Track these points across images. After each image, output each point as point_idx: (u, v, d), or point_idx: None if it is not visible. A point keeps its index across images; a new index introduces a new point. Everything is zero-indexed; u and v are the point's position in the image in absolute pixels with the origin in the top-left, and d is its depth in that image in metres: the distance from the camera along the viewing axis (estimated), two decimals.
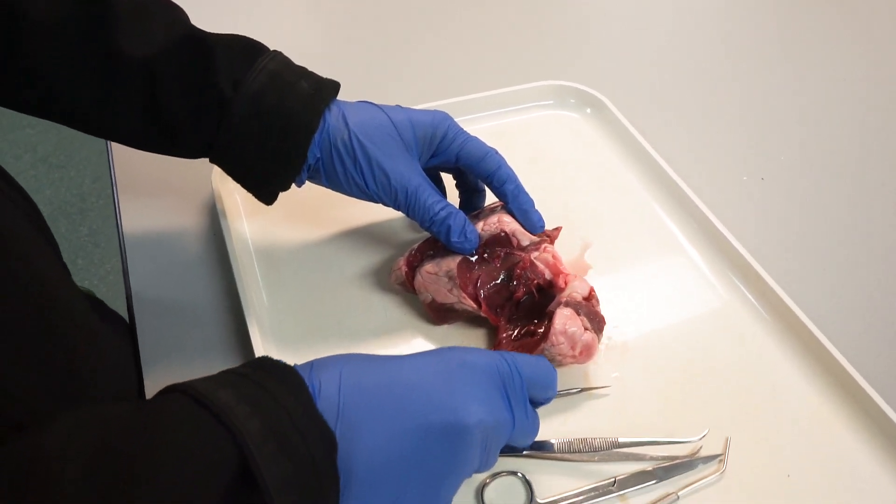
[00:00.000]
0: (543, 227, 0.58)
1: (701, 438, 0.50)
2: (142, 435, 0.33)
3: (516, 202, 0.57)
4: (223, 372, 0.38)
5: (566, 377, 0.54)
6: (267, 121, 0.51)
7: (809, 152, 0.76)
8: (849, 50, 0.91)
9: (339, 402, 0.38)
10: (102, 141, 0.61)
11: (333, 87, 0.54)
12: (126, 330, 0.59)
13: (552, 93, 0.77)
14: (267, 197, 0.55)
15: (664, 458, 0.50)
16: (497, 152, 0.57)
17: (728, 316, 0.59)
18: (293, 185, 0.55)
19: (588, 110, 0.76)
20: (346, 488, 0.37)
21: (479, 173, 0.57)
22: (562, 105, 0.77)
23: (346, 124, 0.53)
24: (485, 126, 0.74)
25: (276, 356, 0.53)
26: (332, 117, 0.53)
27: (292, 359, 0.54)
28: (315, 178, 0.56)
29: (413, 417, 0.39)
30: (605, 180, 0.70)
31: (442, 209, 0.54)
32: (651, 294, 0.60)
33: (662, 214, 0.67)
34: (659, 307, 0.59)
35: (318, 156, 0.53)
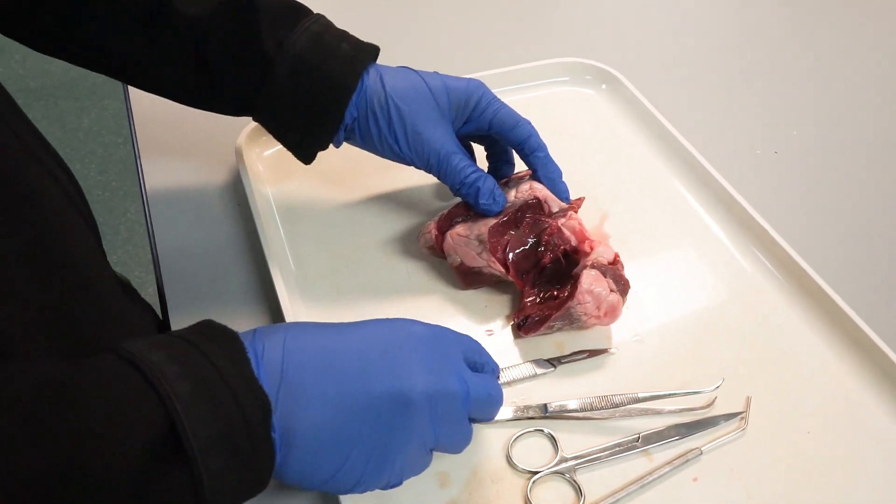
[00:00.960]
0: (569, 197, 0.60)
1: (716, 388, 0.51)
2: (69, 392, 0.33)
3: (545, 170, 0.58)
4: (164, 334, 0.38)
5: (591, 338, 0.55)
6: (308, 80, 0.52)
7: (823, 126, 0.77)
8: (864, 23, 0.92)
9: (283, 366, 0.38)
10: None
11: (373, 50, 0.56)
12: (154, 319, 0.59)
13: (568, 69, 0.78)
14: (306, 156, 0.57)
15: (685, 412, 0.51)
16: (529, 122, 0.59)
17: (745, 281, 0.60)
18: (331, 145, 0.56)
19: (603, 86, 0.78)
20: (287, 454, 0.37)
21: (511, 141, 0.59)
22: (578, 81, 0.78)
23: (384, 86, 0.54)
24: (506, 101, 0.75)
25: (303, 318, 0.55)
26: (370, 79, 0.55)
27: (320, 319, 0.55)
28: (351, 139, 0.57)
29: (357, 385, 0.39)
30: (621, 153, 0.71)
31: (472, 172, 0.56)
32: (669, 261, 0.62)
33: (678, 185, 0.68)
34: (677, 273, 0.61)
35: (355, 116, 0.55)
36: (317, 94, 0.53)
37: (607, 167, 0.70)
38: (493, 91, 0.74)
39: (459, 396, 0.42)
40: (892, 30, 0.92)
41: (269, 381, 0.37)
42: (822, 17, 0.94)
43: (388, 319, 0.44)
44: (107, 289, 0.48)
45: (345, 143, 0.58)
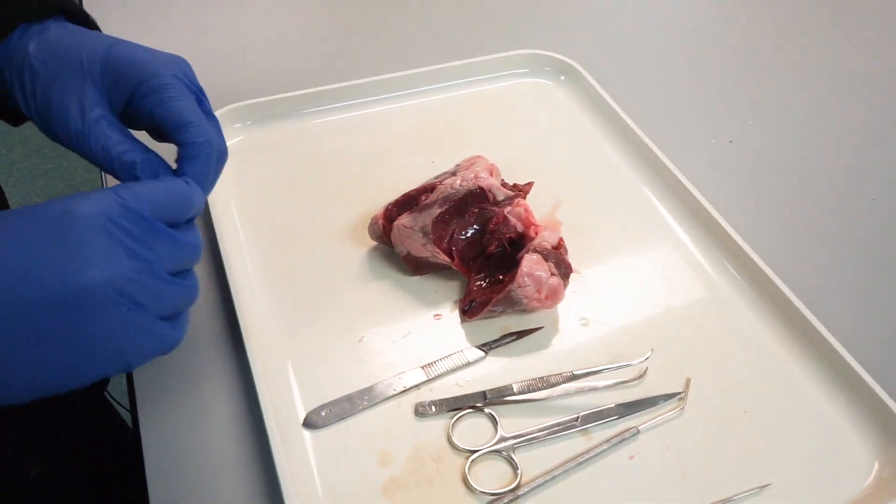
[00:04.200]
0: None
1: (645, 360, 0.53)
2: None
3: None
4: None
5: (537, 321, 0.56)
6: None
7: (777, 116, 0.78)
8: (820, 12, 0.93)
9: None
10: None
11: (55, 4, 0.47)
12: None
13: (526, 61, 0.79)
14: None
15: (622, 387, 0.53)
16: (207, 131, 0.46)
17: (691, 265, 0.61)
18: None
19: (562, 77, 0.79)
20: None
21: (175, 141, 0.46)
22: (536, 73, 0.79)
23: (28, 43, 0.46)
24: (461, 94, 0.76)
25: (257, 305, 0.56)
26: (27, 33, 0.46)
27: (271, 308, 0.56)
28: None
29: (13, 289, 0.34)
30: (577, 143, 0.72)
31: (127, 150, 0.44)
32: (619, 247, 0.63)
33: (632, 174, 0.69)
34: (627, 258, 0.62)
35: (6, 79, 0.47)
36: None
37: (563, 156, 0.71)
38: (452, 82, 0.77)
39: (144, 271, 0.37)
40: (847, 18, 0.93)
41: None
42: (777, 8, 0.95)
43: (38, 205, 0.37)
44: None
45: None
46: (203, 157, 0.45)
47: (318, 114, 0.72)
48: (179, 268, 0.40)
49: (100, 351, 0.36)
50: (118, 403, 0.81)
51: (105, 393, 0.77)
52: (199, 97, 0.47)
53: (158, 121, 0.45)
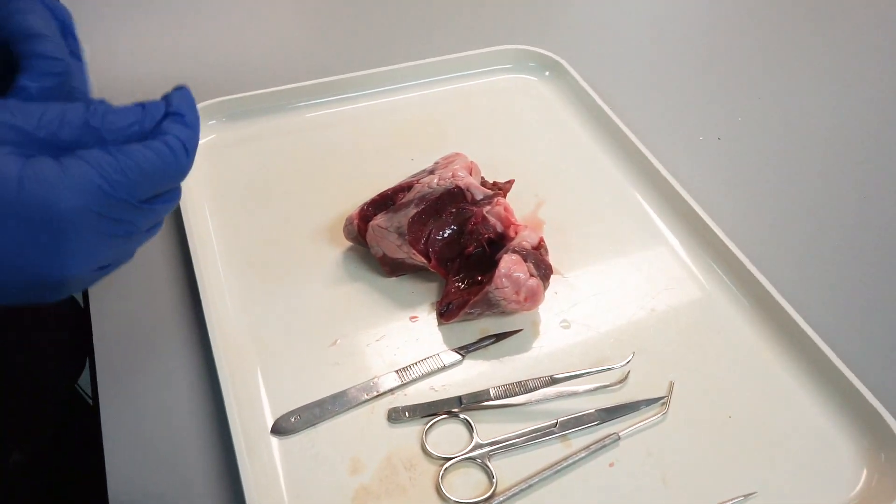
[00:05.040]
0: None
1: (627, 363, 0.51)
2: None
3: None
4: None
5: (517, 324, 0.55)
6: None
7: (766, 113, 0.77)
8: (810, 8, 0.92)
9: None
10: None
11: None
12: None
13: (512, 56, 0.77)
14: None
15: (602, 392, 0.51)
16: (65, 51, 0.40)
17: (676, 266, 0.60)
18: None
19: (547, 73, 0.77)
20: None
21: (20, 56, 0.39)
22: (521, 69, 0.78)
23: None
24: (443, 90, 0.74)
25: (230, 305, 0.54)
26: None
27: (247, 307, 0.54)
28: None
29: None
30: (562, 140, 0.71)
31: None
32: (603, 247, 0.61)
33: (617, 172, 0.67)
34: (611, 259, 0.60)
35: None
36: None
37: (547, 154, 0.69)
38: (437, 77, 0.75)
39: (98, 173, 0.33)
40: (836, 15, 0.92)
41: None
42: (765, 4, 0.94)
43: None
44: None
45: None
46: (46, 74, 0.38)
47: (295, 111, 0.71)
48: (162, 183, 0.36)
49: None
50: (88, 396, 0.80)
51: (76, 386, 0.77)
52: (67, 34, 0.41)
53: (6, 32, 0.38)
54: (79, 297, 0.60)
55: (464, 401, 0.50)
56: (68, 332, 0.73)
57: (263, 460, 0.46)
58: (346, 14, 0.87)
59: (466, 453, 0.47)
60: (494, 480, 0.46)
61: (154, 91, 0.37)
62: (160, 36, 0.81)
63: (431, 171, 0.59)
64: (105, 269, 0.37)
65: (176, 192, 0.38)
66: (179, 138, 0.36)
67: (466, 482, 0.46)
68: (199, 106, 0.66)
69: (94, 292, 0.56)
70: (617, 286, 0.58)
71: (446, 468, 0.46)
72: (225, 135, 0.68)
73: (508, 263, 0.52)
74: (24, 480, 0.67)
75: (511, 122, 0.72)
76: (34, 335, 0.70)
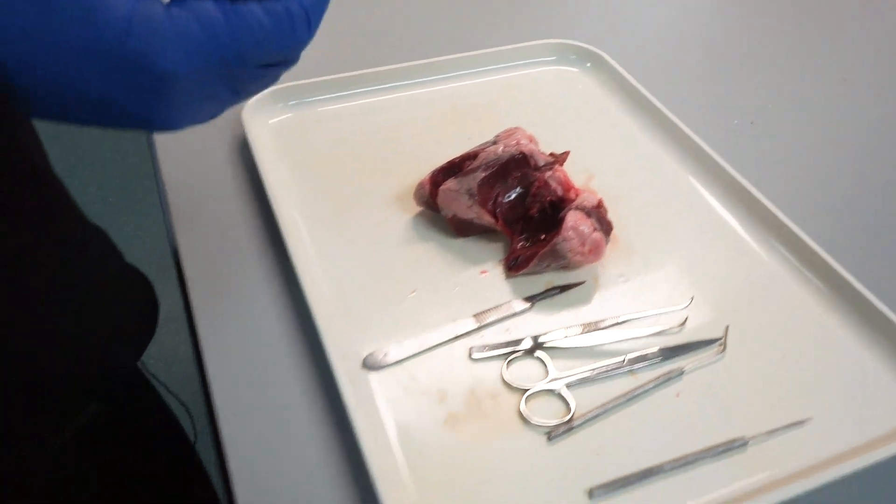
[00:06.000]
0: None
1: (687, 306, 0.56)
2: None
3: None
4: None
5: (578, 278, 0.59)
6: None
7: (797, 97, 0.82)
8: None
9: None
10: None
11: None
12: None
13: (554, 49, 0.83)
14: None
15: (664, 335, 0.55)
16: None
17: (724, 229, 0.64)
18: None
19: (588, 64, 0.82)
20: None
21: None
22: (563, 61, 0.83)
23: None
24: (491, 79, 0.80)
25: (314, 267, 0.59)
26: None
27: (329, 268, 0.59)
28: None
29: None
30: (606, 125, 0.76)
31: None
32: (653, 212, 0.66)
33: (660, 151, 0.72)
34: (662, 222, 0.65)
35: None
36: None
37: (592, 138, 0.74)
38: (482, 68, 0.80)
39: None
40: (863, 4, 0.98)
41: None
42: None
43: None
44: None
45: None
46: None
47: (356, 96, 0.76)
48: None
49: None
50: (158, 380, 0.82)
51: (139, 365, 0.78)
52: None
53: None
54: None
55: (538, 341, 0.54)
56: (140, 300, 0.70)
57: (360, 390, 0.50)
58: (398, 12, 0.93)
59: (545, 384, 0.51)
60: (573, 407, 0.50)
61: None
62: None
63: (494, 142, 0.64)
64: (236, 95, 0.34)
65: (293, 61, 0.35)
66: (303, 5, 0.32)
67: (546, 409, 0.50)
68: (273, 90, 0.72)
69: (185, 254, 0.60)
70: (669, 247, 0.63)
71: (527, 397, 0.51)
72: (302, 114, 0.73)
73: (575, 217, 0.56)
74: (105, 430, 0.67)
75: (556, 108, 0.77)
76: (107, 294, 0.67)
